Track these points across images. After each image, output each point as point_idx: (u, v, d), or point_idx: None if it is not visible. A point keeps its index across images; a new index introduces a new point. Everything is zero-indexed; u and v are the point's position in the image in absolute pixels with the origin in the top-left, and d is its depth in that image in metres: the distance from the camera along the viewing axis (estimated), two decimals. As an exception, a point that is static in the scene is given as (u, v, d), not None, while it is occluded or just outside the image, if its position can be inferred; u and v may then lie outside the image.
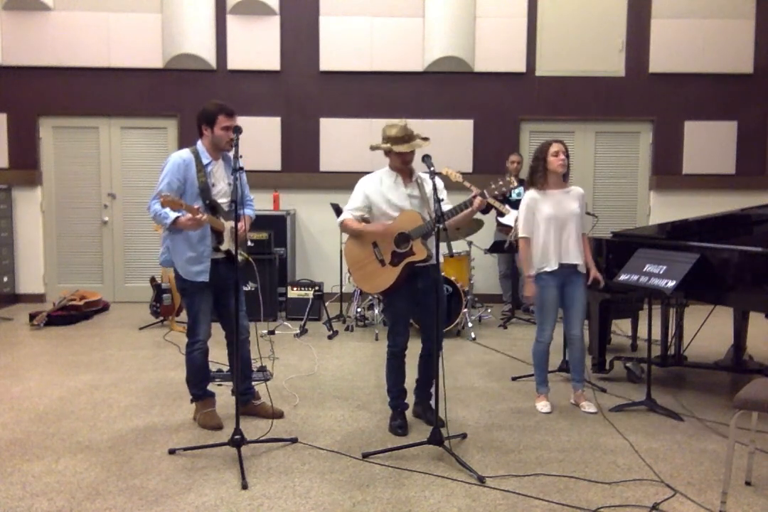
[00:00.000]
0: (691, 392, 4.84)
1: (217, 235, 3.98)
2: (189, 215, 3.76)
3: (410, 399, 4.22)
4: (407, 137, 3.88)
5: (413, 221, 3.85)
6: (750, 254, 4.12)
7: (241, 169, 3.66)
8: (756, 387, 3.11)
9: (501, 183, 3.74)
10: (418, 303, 4.00)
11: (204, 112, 3.96)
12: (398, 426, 3.99)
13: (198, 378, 4.14)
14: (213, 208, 3.94)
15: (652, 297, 4.49)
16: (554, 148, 4.31)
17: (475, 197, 3.76)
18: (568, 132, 8.15)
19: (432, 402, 3.86)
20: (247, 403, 4.21)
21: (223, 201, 4.00)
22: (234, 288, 3.70)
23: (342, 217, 4.07)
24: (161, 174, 3.92)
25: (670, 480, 3.39)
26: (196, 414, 4.17)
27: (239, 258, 3.94)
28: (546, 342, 4.44)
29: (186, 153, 3.95)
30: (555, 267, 4.30)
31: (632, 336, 6.01)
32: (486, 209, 7.37)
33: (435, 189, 3.72)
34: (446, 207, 3.93)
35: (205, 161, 3.94)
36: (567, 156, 4.34)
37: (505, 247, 6.12)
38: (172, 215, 3.79)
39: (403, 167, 3.96)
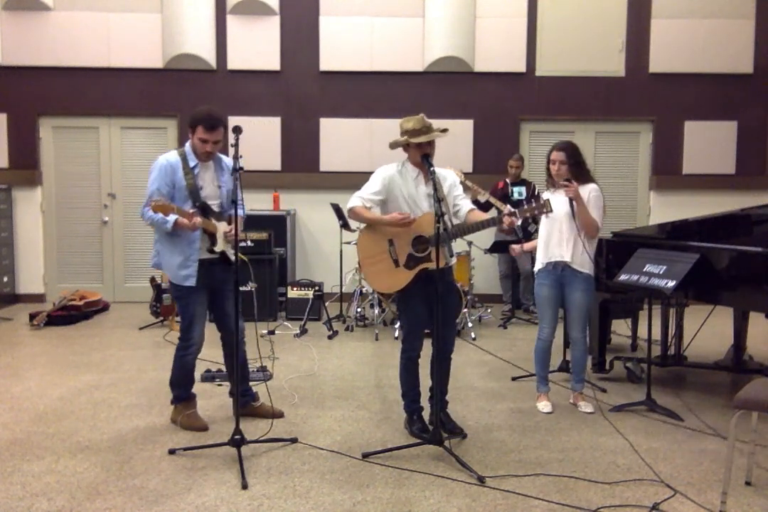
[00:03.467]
0: (691, 392, 4.84)
1: (210, 237, 3.97)
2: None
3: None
4: (425, 129, 3.76)
5: (432, 225, 3.61)
6: (750, 254, 4.12)
7: (241, 169, 3.64)
8: (756, 387, 3.11)
9: (535, 205, 3.67)
10: (433, 306, 3.80)
11: (191, 116, 3.94)
12: (421, 430, 3.92)
13: (186, 380, 4.12)
14: (203, 209, 3.92)
15: (652, 297, 4.49)
16: (551, 156, 4.31)
17: (505, 216, 3.66)
18: (568, 132, 8.15)
19: (431, 404, 3.86)
20: (246, 405, 4.19)
21: (212, 203, 3.99)
22: (234, 289, 3.65)
23: (352, 203, 3.86)
24: (149, 179, 3.92)
25: (670, 480, 3.39)
26: (176, 416, 4.12)
27: (233, 257, 3.96)
28: (545, 339, 4.43)
29: (173, 156, 3.94)
30: (543, 263, 4.34)
31: (632, 336, 6.01)
32: (486, 208, 7.38)
33: (435, 188, 3.62)
34: (465, 201, 3.91)
35: (191, 163, 3.92)
36: (571, 162, 4.26)
37: (523, 236, 6.10)
38: (171, 218, 3.79)
39: (422, 162, 3.80)
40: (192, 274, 3.90)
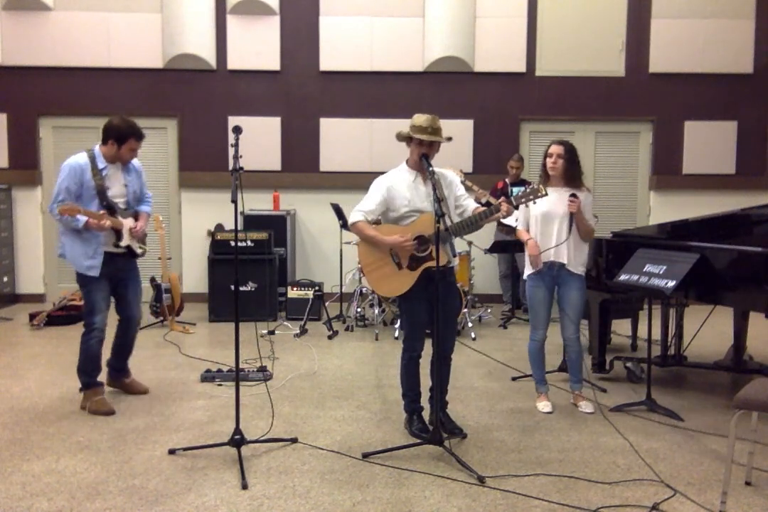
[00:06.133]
0: (691, 392, 4.84)
1: (116, 232, 4.28)
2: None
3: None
4: (430, 129, 3.75)
5: (432, 225, 3.60)
6: (750, 254, 4.12)
7: (241, 169, 3.62)
8: (756, 387, 3.11)
9: (529, 191, 3.71)
10: (434, 307, 3.77)
11: (116, 128, 4.21)
12: (421, 430, 3.91)
13: (92, 366, 4.39)
14: (110, 208, 4.24)
15: (652, 297, 4.49)
16: (550, 149, 4.30)
17: (501, 203, 3.69)
18: (568, 132, 8.15)
19: (431, 404, 3.86)
20: (118, 379, 4.65)
21: (119, 201, 4.33)
22: (234, 287, 3.76)
23: (355, 219, 3.85)
24: (59, 178, 4.18)
25: (670, 480, 3.39)
26: (84, 402, 4.35)
27: (139, 250, 4.44)
28: (538, 340, 4.43)
29: (83, 158, 4.21)
30: (540, 265, 4.29)
31: (632, 336, 6.01)
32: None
33: (434, 188, 3.63)
34: (469, 201, 3.95)
35: (100, 165, 4.22)
36: (568, 158, 4.24)
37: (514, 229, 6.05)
38: (81, 219, 4.10)
39: (420, 161, 3.80)
40: (95, 266, 4.23)
